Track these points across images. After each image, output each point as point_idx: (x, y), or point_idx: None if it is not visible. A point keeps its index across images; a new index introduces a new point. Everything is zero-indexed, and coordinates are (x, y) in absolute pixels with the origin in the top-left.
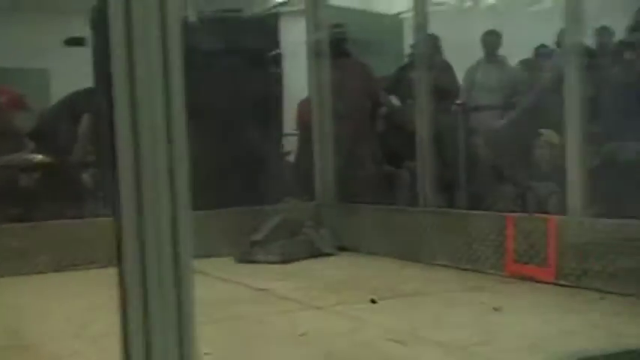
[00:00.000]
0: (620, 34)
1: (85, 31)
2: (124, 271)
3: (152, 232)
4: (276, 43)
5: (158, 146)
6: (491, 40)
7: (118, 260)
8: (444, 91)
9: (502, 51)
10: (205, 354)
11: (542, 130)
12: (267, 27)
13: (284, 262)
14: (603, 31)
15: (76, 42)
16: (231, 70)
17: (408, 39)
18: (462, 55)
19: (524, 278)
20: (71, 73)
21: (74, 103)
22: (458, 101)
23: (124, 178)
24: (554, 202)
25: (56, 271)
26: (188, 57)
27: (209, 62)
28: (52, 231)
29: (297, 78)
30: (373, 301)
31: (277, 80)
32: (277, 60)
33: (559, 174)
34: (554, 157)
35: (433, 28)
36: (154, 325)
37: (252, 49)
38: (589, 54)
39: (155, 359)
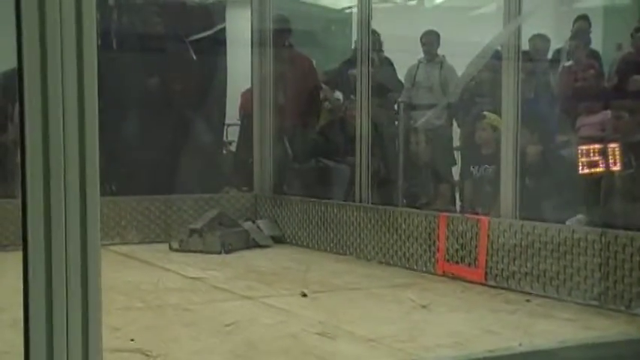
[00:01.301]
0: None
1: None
2: (28, 255)
3: (58, 213)
4: (221, 32)
5: (68, 129)
6: (430, 40)
7: (24, 244)
8: (385, 88)
9: (443, 50)
10: (130, 340)
11: (485, 113)
12: (214, 15)
13: (221, 252)
14: (539, 38)
15: None
16: (175, 57)
17: (354, 34)
18: (405, 53)
19: (454, 277)
20: (10, 48)
21: (11, 80)
22: (399, 99)
23: (32, 161)
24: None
25: None
26: (130, 40)
27: (153, 47)
28: None
29: (241, 68)
30: (303, 294)
31: (221, 69)
32: (218, 44)
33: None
34: (496, 140)
35: (377, 24)
36: (57, 310)
37: (197, 36)
38: (526, 58)
39: (57, 346)
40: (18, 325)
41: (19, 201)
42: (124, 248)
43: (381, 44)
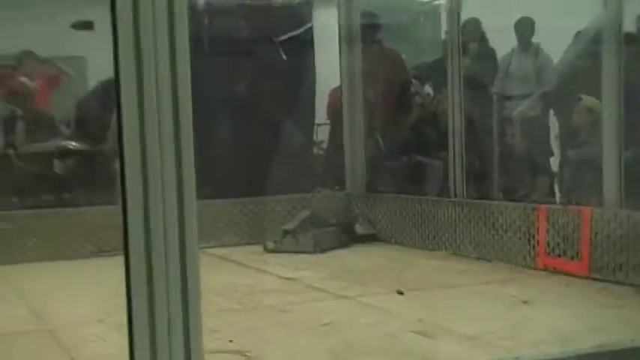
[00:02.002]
0: None
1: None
2: (130, 260)
3: (157, 218)
4: (308, 31)
5: (164, 134)
6: (524, 28)
7: (125, 249)
8: (480, 79)
9: (538, 38)
10: (229, 342)
11: (582, 96)
12: (301, 14)
13: (315, 251)
14: None
15: (84, 26)
16: (263, 58)
17: (444, 25)
18: (498, 43)
19: (555, 272)
20: (108, 59)
21: (109, 90)
22: (492, 90)
23: (131, 167)
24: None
25: (93, 256)
26: (217, 44)
27: (241, 50)
28: (88, 217)
29: (330, 66)
30: (400, 293)
31: (310, 69)
32: (308, 44)
33: (597, 141)
34: (593, 123)
35: (467, 13)
36: (159, 314)
37: (284, 36)
38: (629, 40)
39: (160, 349)
40: (122, 328)
41: (119, 207)
42: (221, 251)
43: (482, 33)
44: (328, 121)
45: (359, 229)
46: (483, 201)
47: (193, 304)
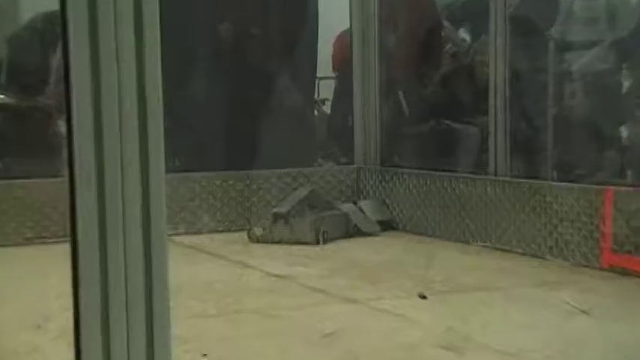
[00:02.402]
0: None
1: None
2: (78, 250)
3: (115, 199)
4: None
5: (125, 86)
6: None
7: (71, 236)
8: (533, 21)
9: None
10: (203, 356)
11: None
12: None
13: (315, 241)
14: None
15: None
16: None
17: None
18: None
19: (625, 272)
20: None
21: (47, 27)
22: (549, 35)
23: (81, 129)
24: None
25: (21, 244)
26: None
27: None
28: (22, 193)
29: (337, 5)
30: (422, 296)
31: (311, 5)
32: None
33: None
34: None
35: None
36: (115, 320)
37: None
38: None
39: None
40: (66, 336)
41: (64, 181)
42: (192, 239)
43: None
44: (333, 75)
45: (370, 213)
46: (532, 180)
47: (160, 306)
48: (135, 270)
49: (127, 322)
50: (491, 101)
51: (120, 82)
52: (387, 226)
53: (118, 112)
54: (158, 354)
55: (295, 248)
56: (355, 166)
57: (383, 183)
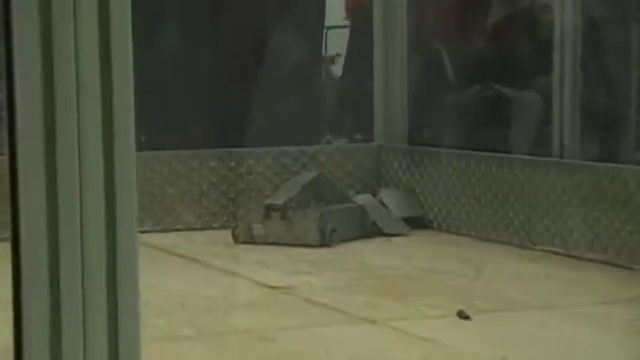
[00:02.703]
0: None
1: None
2: (20, 252)
3: (69, 186)
4: None
5: (83, 36)
6: None
7: (13, 232)
8: None
9: None
10: None
11: None
12: None
13: (322, 243)
14: None
15: None
16: None
17: None
18: None
19: None
20: None
21: None
22: None
23: (26, 90)
24: None
25: None
26: None
27: None
28: None
29: None
30: (462, 316)
31: None
32: None
33: None
34: None
35: None
36: (69, 342)
37: None
38: None
39: None
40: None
41: (3, 160)
42: (161, 238)
43: None
44: (347, 23)
45: (395, 208)
46: (609, 164)
47: (128, 327)
48: (97, 280)
49: (84, 350)
50: (556, 59)
51: (78, 31)
52: (418, 223)
53: (74, 68)
54: None
55: (296, 252)
56: (375, 143)
57: (411, 167)
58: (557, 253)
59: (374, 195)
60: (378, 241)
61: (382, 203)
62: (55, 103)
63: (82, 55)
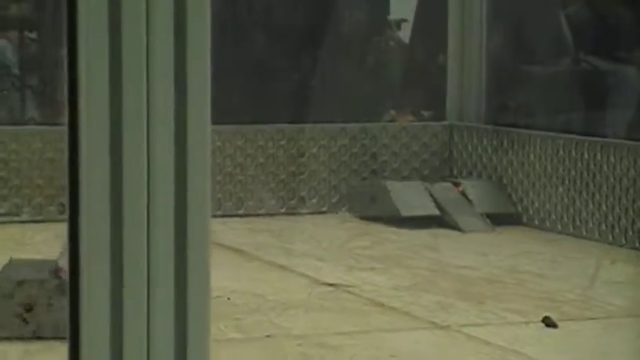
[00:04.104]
0: None
1: None
2: (78, 232)
3: (131, 173)
4: None
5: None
6: None
7: (70, 213)
8: None
9: None
10: None
11: None
12: None
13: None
14: None
15: None
16: None
17: None
18: None
19: None
20: None
21: None
22: None
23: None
24: None
25: None
26: None
27: None
28: None
29: None
30: (548, 323)
31: None
32: None
33: None
34: None
35: None
36: (131, 341)
37: None
38: None
39: None
40: None
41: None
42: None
43: None
44: None
45: (479, 201)
46: None
47: (198, 325)
48: (164, 272)
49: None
50: None
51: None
52: (507, 219)
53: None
54: None
55: (355, 244)
56: (447, 122)
57: (489, 150)
58: None
59: (456, 185)
60: (457, 237)
61: (464, 195)
62: (122, 79)
63: (153, 25)
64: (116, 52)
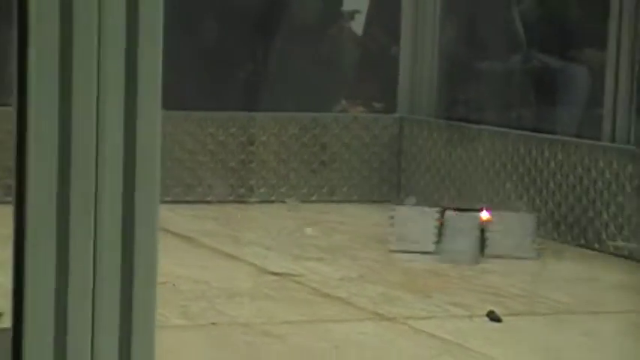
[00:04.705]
0: None
1: None
2: (27, 210)
3: (80, 156)
4: None
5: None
6: None
7: (17, 190)
8: None
9: None
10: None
11: None
12: None
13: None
14: None
15: None
16: None
17: None
18: None
19: None
20: None
21: None
22: None
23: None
24: None
25: None
26: None
27: None
28: None
29: None
30: (493, 318)
31: None
32: None
33: None
34: None
35: None
36: (74, 321)
37: None
38: None
39: None
40: None
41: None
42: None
43: None
44: None
45: (495, 239)
46: None
47: (143, 313)
48: (110, 257)
49: (93, 332)
50: (612, 29)
51: None
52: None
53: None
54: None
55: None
56: (397, 115)
57: (439, 144)
58: (628, 252)
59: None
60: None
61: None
62: (72, 59)
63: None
64: (67, 31)
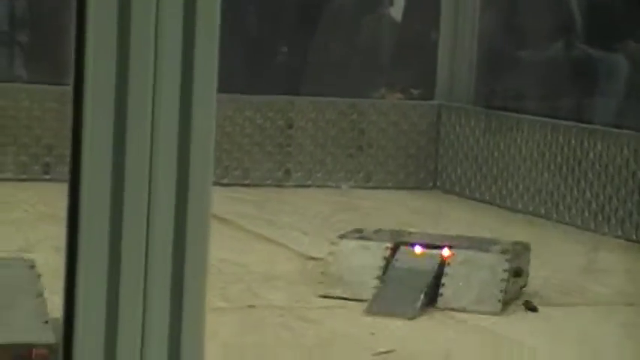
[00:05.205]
0: None
1: None
2: (81, 193)
3: (135, 137)
4: None
5: None
6: None
7: (71, 173)
8: None
9: None
10: None
11: None
12: None
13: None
14: None
15: None
16: None
17: None
18: None
19: None
20: None
21: None
22: None
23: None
24: None
25: None
26: None
27: None
28: None
29: None
30: (530, 307)
31: None
32: None
33: None
34: None
35: None
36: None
37: None
38: None
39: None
40: None
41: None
42: None
43: None
44: None
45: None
46: None
47: (193, 298)
48: (163, 243)
49: (144, 317)
50: None
51: None
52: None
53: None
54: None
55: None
56: (435, 102)
57: (476, 132)
58: None
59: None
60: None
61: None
62: (129, 45)
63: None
64: (125, 17)
